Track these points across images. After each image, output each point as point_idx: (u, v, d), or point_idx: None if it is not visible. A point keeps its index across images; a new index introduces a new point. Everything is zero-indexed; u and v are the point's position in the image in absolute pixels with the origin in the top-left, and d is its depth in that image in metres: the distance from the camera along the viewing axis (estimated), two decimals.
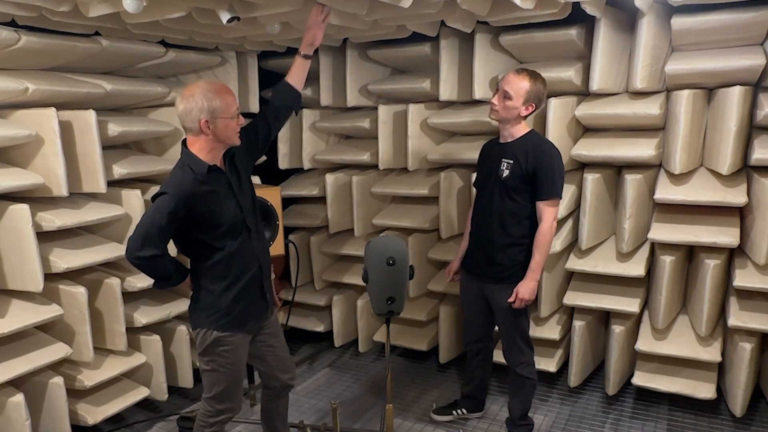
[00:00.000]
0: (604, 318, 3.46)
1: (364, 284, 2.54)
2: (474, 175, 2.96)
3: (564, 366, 3.44)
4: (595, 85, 2.95)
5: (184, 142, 2.16)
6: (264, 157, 3.85)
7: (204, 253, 2.19)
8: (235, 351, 2.27)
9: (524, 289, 2.60)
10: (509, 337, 2.78)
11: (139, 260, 2.06)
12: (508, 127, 2.62)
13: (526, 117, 2.59)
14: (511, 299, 2.63)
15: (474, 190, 2.95)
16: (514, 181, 2.59)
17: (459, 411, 3.17)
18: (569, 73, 3.02)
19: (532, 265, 2.60)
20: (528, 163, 2.54)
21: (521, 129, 2.63)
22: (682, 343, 3.00)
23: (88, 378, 2.83)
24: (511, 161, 2.60)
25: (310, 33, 2.41)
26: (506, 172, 2.60)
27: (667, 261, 2.92)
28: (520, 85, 2.51)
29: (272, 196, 3.32)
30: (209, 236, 2.15)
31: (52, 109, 2.55)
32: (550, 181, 2.52)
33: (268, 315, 2.42)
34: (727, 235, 2.78)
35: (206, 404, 2.34)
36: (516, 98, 2.51)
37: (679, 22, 2.76)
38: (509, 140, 2.64)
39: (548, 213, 2.55)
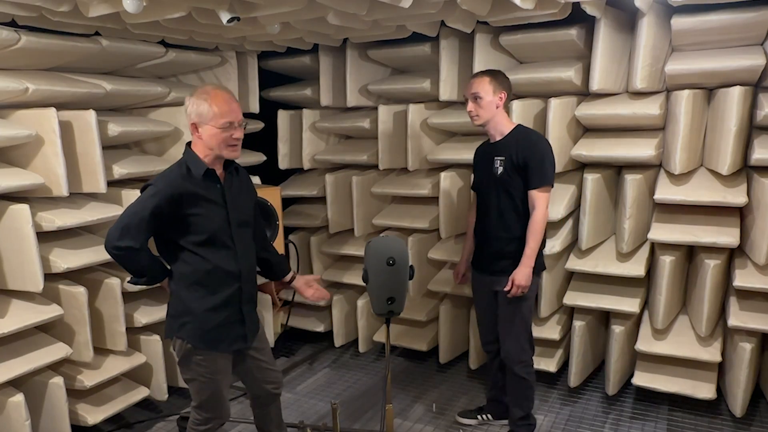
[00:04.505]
0: (604, 318, 3.46)
1: (364, 284, 2.53)
2: (472, 177, 2.97)
3: (564, 366, 3.44)
4: (595, 85, 2.95)
5: (189, 142, 2.17)
6: (264, 157, 3.87)
7: (183, 258, 2.14)
8: (214, 363, 2.22)
9: (519, 275, 2.61)
10: (512, 332, 2.76)
11: (116, 250, 2.05)
12: (493, 125, 2.70)
13: (504, 107, 2.67)
14: (507, 287, 2.63)
15: (473, 193, 2.97)
16: (508, 176, 2.65)
17: (484, 416, 3.13)
18: (569, 73, 3.02)
19: (526, 251, 2.61)
20: (518, 155, 2.60)
21: (506, 124, 2.70)
22: (682, 343, 3.00)
23: (88, 378, 2.83)
24: (503, 158, 2.66)
25: (301, 291, 2.55)
26: (500, 169, 2.67)
27: (667, 261, 2.92)
28: (482, 83, 2.65)
29: (272, 196, 3.33)
30: (189, 241, 2.11)
31: (52, 109, 2.55)
32: (540, 169, 2.58)
33: (246, 343, 2.29)
34: (727, 235, 2.78)
35: (194, 412, 2.32)
36: (485, 94, 2.63)
37: (679, 22, 2.76)
38: (498, 139, 2.71)
39: (540, 201, 2.60)
